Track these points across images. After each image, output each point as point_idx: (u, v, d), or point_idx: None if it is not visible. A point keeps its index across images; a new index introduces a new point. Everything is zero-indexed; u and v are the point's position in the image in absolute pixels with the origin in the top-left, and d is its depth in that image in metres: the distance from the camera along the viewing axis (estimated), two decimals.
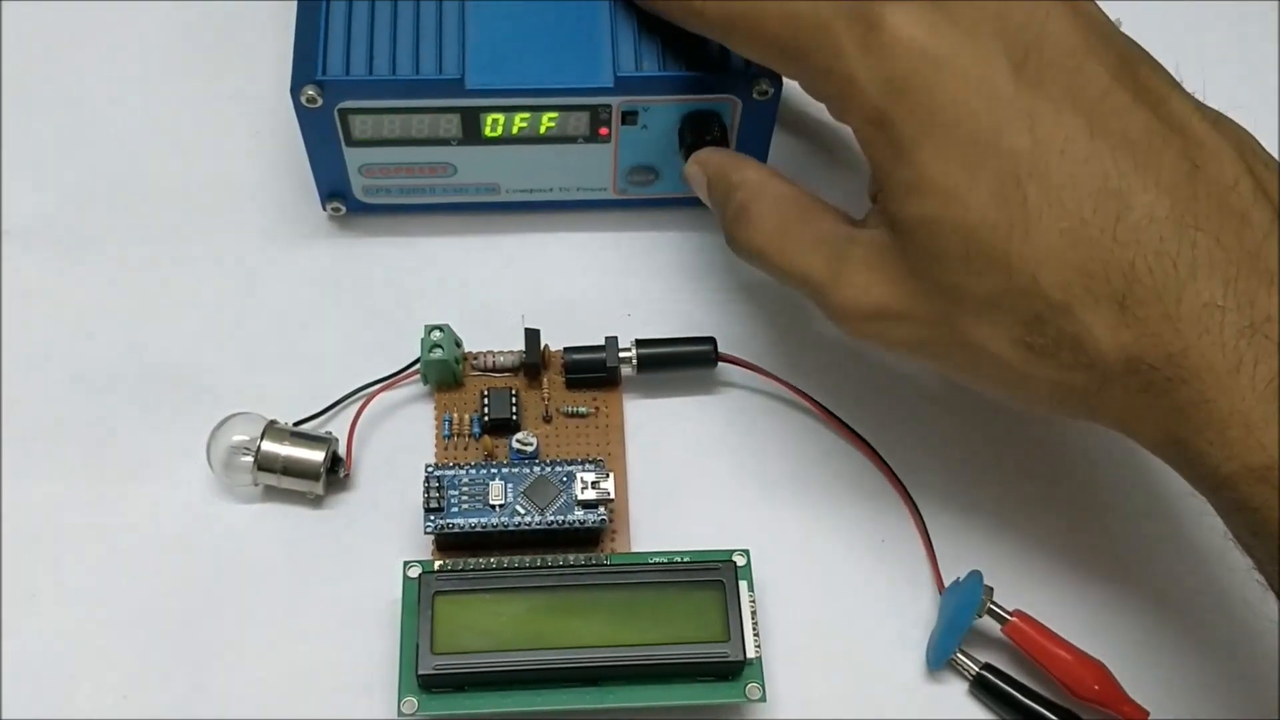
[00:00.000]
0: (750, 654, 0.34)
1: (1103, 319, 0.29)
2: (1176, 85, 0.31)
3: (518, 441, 0.38)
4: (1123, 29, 0.48)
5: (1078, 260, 0.29)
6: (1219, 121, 0.31)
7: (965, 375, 0.33)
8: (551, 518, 0.36)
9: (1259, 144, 0.31)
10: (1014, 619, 0.36)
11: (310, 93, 0.37)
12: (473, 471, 0.37)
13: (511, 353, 0.40)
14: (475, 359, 0.40)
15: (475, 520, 0.36)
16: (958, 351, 0.32)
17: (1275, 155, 0.45)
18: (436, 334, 0.39)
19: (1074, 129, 0.29)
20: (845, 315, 0.34)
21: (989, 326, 0.31)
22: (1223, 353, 0.28)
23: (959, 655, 0.36)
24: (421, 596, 0.34)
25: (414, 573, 0.35)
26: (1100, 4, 0.48)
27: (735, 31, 0.35)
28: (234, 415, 0.38)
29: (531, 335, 0.40)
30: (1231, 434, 0.28)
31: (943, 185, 0.30)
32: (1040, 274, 0.30)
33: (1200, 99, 0.32)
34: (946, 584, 0.37)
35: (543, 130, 0.40)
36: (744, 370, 0.41)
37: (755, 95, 0.39)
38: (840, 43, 0.31)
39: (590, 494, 0.36)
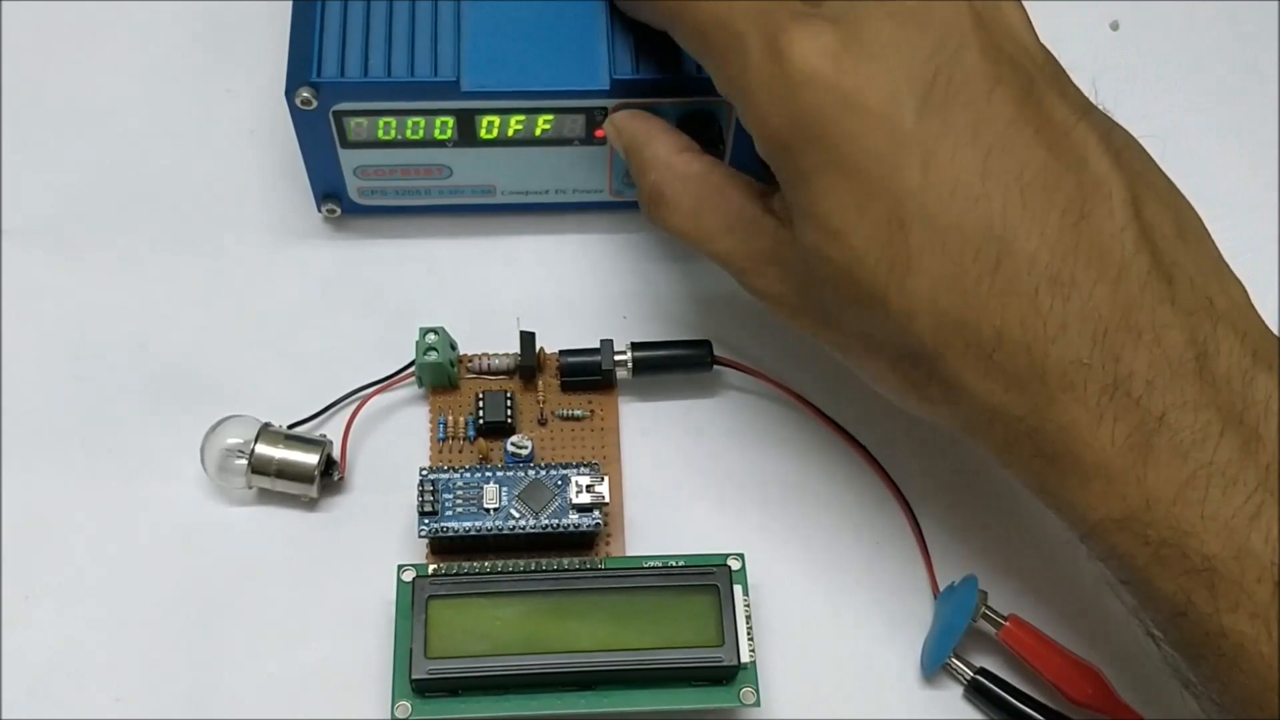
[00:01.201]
0: (745, 658, 0.34)
1: (971, 368, 0.29)
2: (1085, 113, 0.30)
3: (512, 444, 0.38)
4: (1120, 30, 0.49)
5: (951, 308, 0.29)
6: (1121, 153, 0.30)
7: (861, 376, 0.34)
8: (546, 521, 0.36)
9: (1160, 177, 0.31)
10: (1008, 624, 0.36)
11: (305, 94, 0.37)
12: (467, 474, 0.37)
13: (507, 355, 0.40)
14: (470, 361, 0.40)
15: (469, 524, 0.36)
16: (844, 354, 0.33)
17: (1275, 154, 0.46)
18: (431, 336, 0.39)
19: (969, 167, 0.29)
20: (759, 299, 0.35)
21: (866, 349, 0.32)
22: (1085, 408, 0.29)
23: (953, 660, 0.36)
24: (415, 600, 0.34)
25: (408, 576, 0.35)
26: (1101, 5, 0.49)
27: (673, 21, 0.34)
28: (228, 418, 0.38)
29: (527, 338, 0.40)
30: (1094, 485, 0.29)
31: (830, 221, 0.30)
32: (914, 318, 0.30)
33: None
34: (941, 588, 0.37)
35: (538, 132, 0.39)
36: (740, 373, 0.41)
37: None
38: (749, 59, 0.31)
39: (585, 497, 0.36)
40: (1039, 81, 0.30)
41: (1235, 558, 0.28)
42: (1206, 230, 0.31)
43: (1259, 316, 0.30)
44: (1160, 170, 0.31)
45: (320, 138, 0.39)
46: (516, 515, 0.36)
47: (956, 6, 0.30)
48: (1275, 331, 0.30)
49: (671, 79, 0.38)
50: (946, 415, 0.32)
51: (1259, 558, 0.27)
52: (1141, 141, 0.32)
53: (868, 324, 0.31)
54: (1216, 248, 0.31)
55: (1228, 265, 0.31)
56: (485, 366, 0.40)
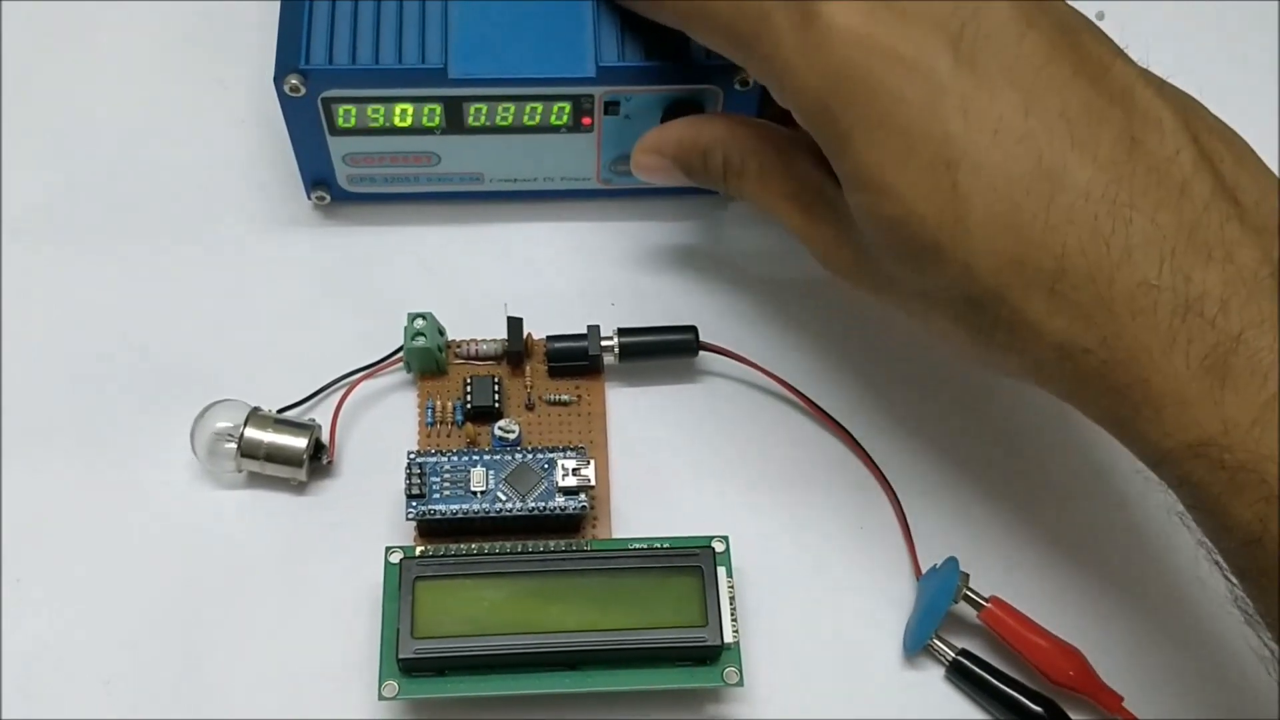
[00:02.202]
0: (728, 639, 0.34)
1: (1035, 305, 0.29)
2: (1120, 52, 0.31)
3: (500, 429, 0.39)
4: (1105, 19, 0.49)
5: (1009, 247, 0.29)
6: (1163, 88, 0.30)
7: (926, 336, 0.34)
8: (533, 504, 0.37)
9: (1206, 110, 0.31)
10: (990, 605, 0.36)
11: (294, 81, 0.38)
12: (455, 458, 0.37)
13: (494, 341, 0.41)
14: (458, 347, 0.41)
15: (457, 506, 0.36)
16: (908, 317, 0.33)
17: (1266, 145, 0.46)
18: (419, 322, 0.39)
19: (1009, 107, 0.29)
20: (820, 263, 0.35)
21: (929, 307, 0.32)
22: (1156, 333, 0.28)
23: (935, 641, 0.37)
24: (403, 581, 0.35)
25: (395, 558, 0.35)
26: (1102, 3, 0.49)
27: (690, 18, 0.35)
28: (217, 402, 0.38)
29: (514, 324, 0.40)
30: (1168, 412, 0.28)
31: (875, 178, 0.30)
32: (972, 262, 0.30)
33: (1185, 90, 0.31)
34: (924, 570, 0.38)
35: (526, 120, 0.40)
36: (725, 359, 0.41)
37: (737, 85, 0.39)
38: (779, 31, 0.31)
39: (571, 480, 0.37)
40: (1071, 25, 0.31)
41: None
42: (1262, 160, 0.31)
43: None
44: (1205, 107, 0.31)
45: (309, 125, 0.39)
46: (503, 498, 0.37)
47: None
48: None
49: (658, 66, 0.39)
50: (1017, 363, 0.31)
51: None
52: None
53: (927, 279, 0.31)
54: (1276, 175, 0.31)
55: None
56: (473, 352, 0.41)
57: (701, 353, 0.41)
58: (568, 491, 0.37)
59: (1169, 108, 0.30)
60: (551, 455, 0.37)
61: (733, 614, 0.35)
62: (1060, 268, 0.29)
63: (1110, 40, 0.31)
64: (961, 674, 0.36)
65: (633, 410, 0.41)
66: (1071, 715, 0.36)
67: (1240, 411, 0.28)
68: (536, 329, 0.41)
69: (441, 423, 0.40)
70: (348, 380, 0.40)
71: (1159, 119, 0.29)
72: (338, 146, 0.40)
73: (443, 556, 0.35)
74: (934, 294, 0.31)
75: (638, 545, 0.36)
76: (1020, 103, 0.29)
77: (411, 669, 0.34)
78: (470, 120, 0.40)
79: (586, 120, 0.40)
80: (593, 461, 0.37)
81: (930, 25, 0.30)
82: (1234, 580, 0.30)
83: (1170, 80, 0.45)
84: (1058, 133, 0.29)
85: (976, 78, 0.29)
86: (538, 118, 0.40)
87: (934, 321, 0.32)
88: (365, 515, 0.39)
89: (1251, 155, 0.31)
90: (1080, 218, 0.29)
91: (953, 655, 0.36)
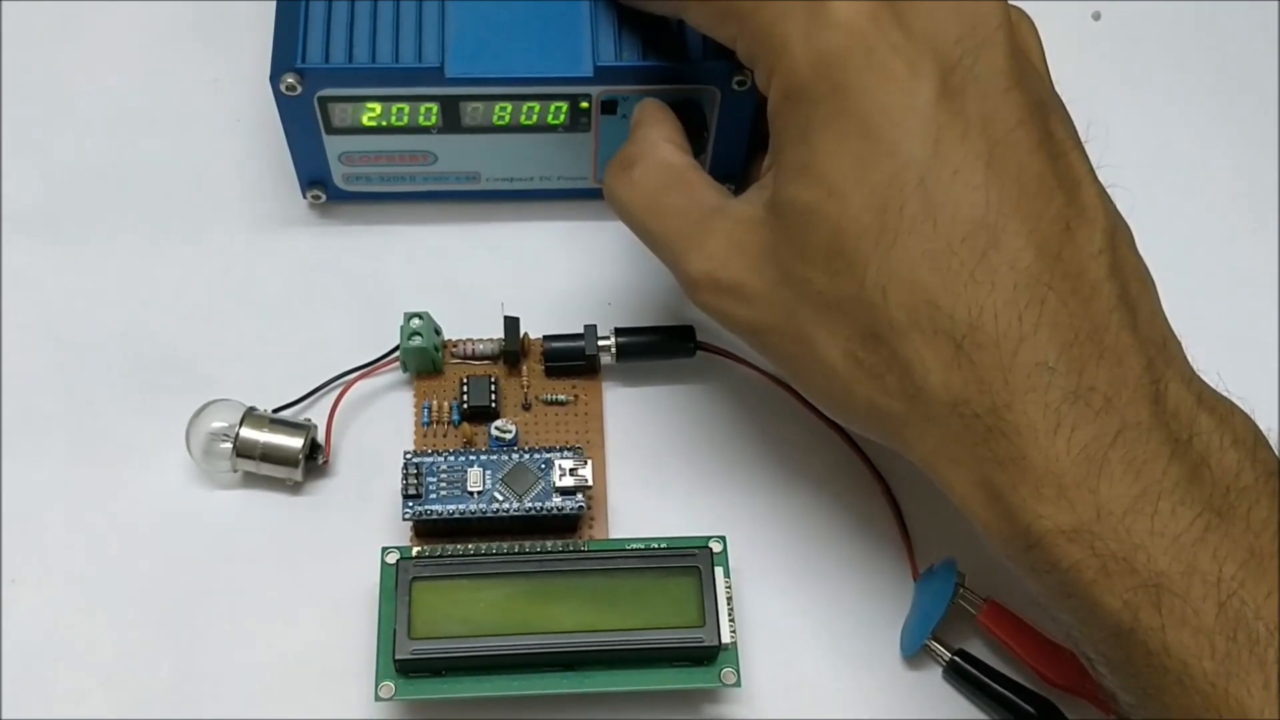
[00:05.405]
0: (725, 639, 0.34)
1: (937, 354, 0.29)
2: (1079, 145, 0.31)
3: (496, 429, 0.39)
4: (1102, 20, 0.49)
5: (930, 286, 0.29)
6: (1104, 194, 0.31)
7: (792, 373, 0.34)
8: (530, 504, 0.37)
9: (1128, 230, 0.32)
10: (986, 607, 0.37)
11: (290, 80, 0.37)
12: (451, 458, 0.37)
13: (491, 341, 0.41)
14: (455, 347, 0.41)
15: (453, 507, 0.36)
16: (790, 345, 0.32)
17: (1254, 143, 0.46)
18: (416, 321, 0.39)
19: (974, 154, 0.29)
20: (695, 284, 0.34)
21: (825, 329, 0.31)
22: (1044, 413, 0.29)
23: (932, 642, 0.37)
24: (399, 582, 0.35)
25: (392, 559, 0.35)
26: (1100, 2, 0.49)
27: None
28: (213, 402, 0.38)
29: (511, 323, 0.40)
30: (1045, 493, 0.29)
31: (830, 176, 0.30)
32: (890, 291, 0.30)
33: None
34: (921, 571, 0.38)
35: (523, 119, 0.40)
36: (723, 359, 0.41)
37: (734, 86, 0.39)
38: (784, 6, 0.31)
39: (568, 481, 0.37)
40: (1048, 101, 0.31)
41: (1184, 574, 0.28)
42: (1159, 298, 0.32)
43: (1196, 372, 0.31)
44: (1128, 226, 0.32)
45: (305, 124, 0.39)
46: (500, 498, 0.37)
47: (994, 5, 0.30)
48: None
49: (656, 66, 0.39)
50: (900, 411, 0.31)
51: (1206, 575, 0.27)
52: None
53: (838, 294, 0.30)
54: (1164, 313, 0.31)
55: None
56: (470, 352, 0.40)
57: (699, 353, 0.41)
58: (565, 492, 0.37)
59: (1104, 213, 0.30)
60: (548, 455, 0.37)
61: (730, 614, 0.35)
62: (972, 324, 0.29)
63: (1074, 130, 0.32)
64: (958, 674, 0.36)
65: (630, 410, 0.41)
66: (1068, 715, 0.36)
67: (1114, 501, 0.28)
68: (533, 329, 0.41)
69: (438, 423, 0.40)
70: (343, 380, 0.40)
71: (1094, 218, 0.30)
72: (334, 146, 0.40)
73: (439, 557, 0.35)
74: (832, 318, 0.31)
75: (635, 545, 0.36)
76: (985, 152, 0.29)
77: (408, 670, 0.34)
78: (467, 119, 0.40)
79: (584, 120, 0.40)
80: (590, 461, 0.37)
81: (929, 47, 0.30)
82: (1104, 673, 0.30)
83: (1169, 82, 0.45)
84: (1008, 194, 0.29)
85: (953, 114, 0.30)
86: (535, 117, 0.40)
87: (822, 345, 0.31)
88: (361, 515, 0.38)
89: (1151, 285, 0.31)
90: (1002, 282, 0.29)
91: (950, 656, 0.37)
